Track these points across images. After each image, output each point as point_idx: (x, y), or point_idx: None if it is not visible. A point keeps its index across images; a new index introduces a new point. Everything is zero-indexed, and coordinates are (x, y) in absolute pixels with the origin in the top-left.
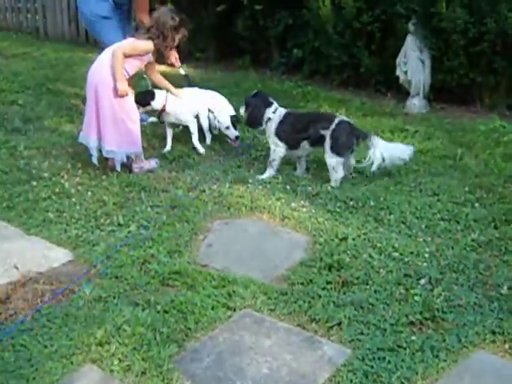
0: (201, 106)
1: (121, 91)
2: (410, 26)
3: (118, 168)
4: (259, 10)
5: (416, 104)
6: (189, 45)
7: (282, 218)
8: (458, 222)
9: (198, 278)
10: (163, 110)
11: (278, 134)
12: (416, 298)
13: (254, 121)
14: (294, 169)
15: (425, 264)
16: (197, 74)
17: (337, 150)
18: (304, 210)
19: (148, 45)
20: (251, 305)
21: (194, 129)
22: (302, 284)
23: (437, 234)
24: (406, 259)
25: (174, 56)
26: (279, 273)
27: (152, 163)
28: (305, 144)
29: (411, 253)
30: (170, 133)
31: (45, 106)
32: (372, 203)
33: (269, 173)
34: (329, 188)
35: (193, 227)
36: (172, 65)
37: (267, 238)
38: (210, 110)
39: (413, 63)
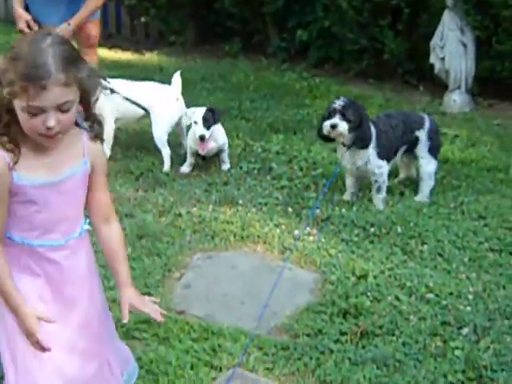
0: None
1: None
2: None
3: None
4: None
5: (456, 100)
6: (160, 25)
7: (281, 249)
8: (511, 254)
9: (172, 329)
10: None
11: (381, 153)
12: (457, 352)
13: (366, 141)
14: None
15: (468, 308)
16: (171, 63)
17: (435, 152)
18: (311, 239)
19: None
20: (242, 363)
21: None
22: (309, 336)
23: (484, 269)
24: (444, 302)
25: None
26: (278, 322)
27: None
28: (401, 153)
29: (450, 294)
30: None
31: None
32: (399, 230)
33: (382, 198)
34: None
35: (166, 262)
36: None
37: (262, 277)
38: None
39: (452, 47)
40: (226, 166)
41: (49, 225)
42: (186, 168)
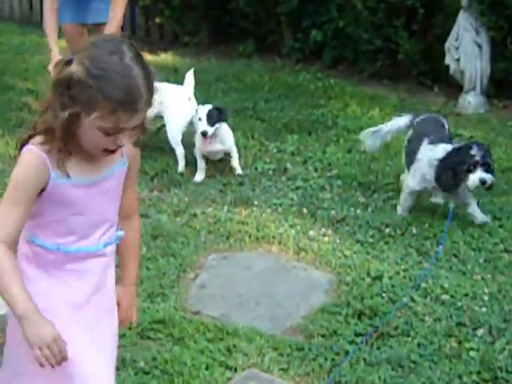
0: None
1: None
2: (463, 0)
3: None
4: None
5: (471, 101)
6: (174, 26)
7: (296, 250)
8: None
9: (187, 329)
10: None
11: None
12: (472, 353)
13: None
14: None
15: (483, 309)
16: (185, 63)
17: None
18: (326, 239)
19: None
20: (257, 363)
21: None
22: (324, 336)
23: (499, 270)
24: (459, 303)
25: None
26: (293, 322)
27: None
28: None
29: (466, 295)
30: None
31: None
32: (414, 231)
33: None
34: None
35: (181, 263)
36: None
37: (277, 277)
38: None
39: (467, 48)
40: (238, 171)
41: (87, 228)
42: (199, 176)
